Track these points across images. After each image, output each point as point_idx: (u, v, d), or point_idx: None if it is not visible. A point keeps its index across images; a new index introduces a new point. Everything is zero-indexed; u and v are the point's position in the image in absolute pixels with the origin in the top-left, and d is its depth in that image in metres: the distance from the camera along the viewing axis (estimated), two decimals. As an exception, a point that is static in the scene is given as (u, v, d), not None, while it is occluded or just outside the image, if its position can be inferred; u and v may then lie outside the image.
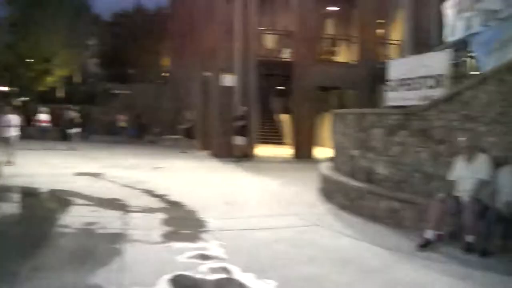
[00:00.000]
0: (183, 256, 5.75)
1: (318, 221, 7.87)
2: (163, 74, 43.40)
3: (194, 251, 5.98)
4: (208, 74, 20.44)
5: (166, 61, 42.61)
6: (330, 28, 26.11)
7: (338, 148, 10.41)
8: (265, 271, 5.30)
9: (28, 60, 31.50)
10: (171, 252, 5.92)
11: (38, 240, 6.22)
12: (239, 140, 17.15)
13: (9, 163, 13.31)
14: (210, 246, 6.25)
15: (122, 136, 27.71)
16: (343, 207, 8.77)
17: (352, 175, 9.26)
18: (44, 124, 19.85)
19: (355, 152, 9.22)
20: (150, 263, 5.50)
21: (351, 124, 9.46)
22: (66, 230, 6.83)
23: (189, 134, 20.71)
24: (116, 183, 11.19)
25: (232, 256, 5.81)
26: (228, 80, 17.88)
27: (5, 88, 34.48)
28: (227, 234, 6.89)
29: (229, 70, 18.07)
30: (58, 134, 21.95)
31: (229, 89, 18.09)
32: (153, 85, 37.02)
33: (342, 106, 19.99)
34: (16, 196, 9.76)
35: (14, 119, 14.14)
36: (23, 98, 32.22)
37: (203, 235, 6.82)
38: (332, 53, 23.87)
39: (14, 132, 13.90)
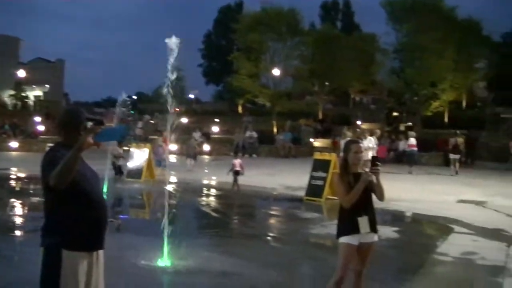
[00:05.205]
0: None
1: None
2: None
3: None
4: None
5: None
6: None
7: None
8: None
9: (413, 85, 32.27)
10: None
11: (415, 267, 6.18)
12: None
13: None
14: None
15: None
16: None
17: None
18: (412, 149, 20.00)
19: None
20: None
21: None
22: (444, 258, 6.62)
23: None
24: (501, 213, 10.37)
25: None
26: None
27: (395, 113, 36.55)
28: None
29: None
30: (441, 160, 22.12)
31: None
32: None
33: None
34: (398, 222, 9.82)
35: None
36: (408, 123, 33.31)
37: None
38: None
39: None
